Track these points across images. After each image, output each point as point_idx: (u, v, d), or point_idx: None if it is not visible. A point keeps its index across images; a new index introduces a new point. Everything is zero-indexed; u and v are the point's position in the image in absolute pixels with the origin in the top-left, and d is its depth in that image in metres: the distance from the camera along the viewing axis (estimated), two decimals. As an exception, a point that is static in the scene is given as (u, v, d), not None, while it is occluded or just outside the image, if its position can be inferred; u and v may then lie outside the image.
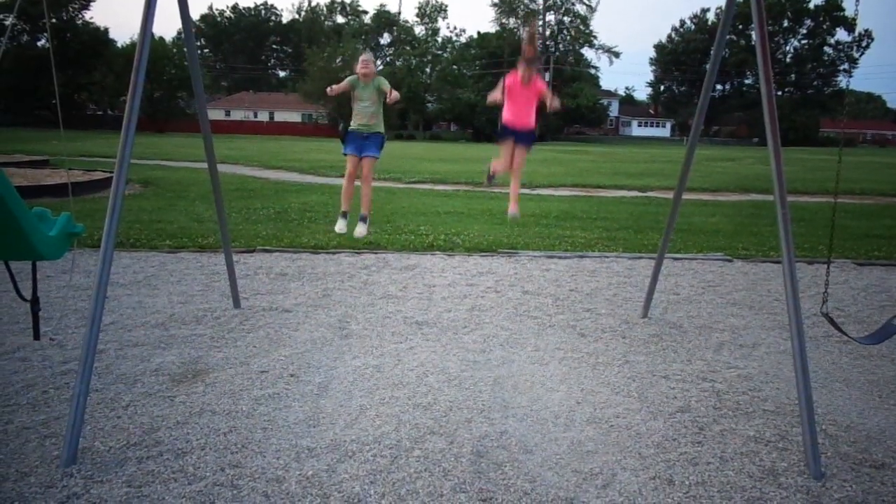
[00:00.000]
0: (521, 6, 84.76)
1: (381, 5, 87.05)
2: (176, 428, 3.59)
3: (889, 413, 4.07)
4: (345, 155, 5.36)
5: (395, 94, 5.15)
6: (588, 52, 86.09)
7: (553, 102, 5.19)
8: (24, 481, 3.02)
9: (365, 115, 5.27)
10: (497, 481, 3.14)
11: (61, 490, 2.96)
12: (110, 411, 3.77)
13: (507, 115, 5.28)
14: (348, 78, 5.27)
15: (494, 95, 5.30)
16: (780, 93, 79.27)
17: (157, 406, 3.86)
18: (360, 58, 5.31)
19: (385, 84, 5.24)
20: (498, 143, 5.50)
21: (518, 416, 3.87)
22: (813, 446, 3.31)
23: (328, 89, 5.24)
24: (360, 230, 5.53)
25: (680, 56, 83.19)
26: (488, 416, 3.86)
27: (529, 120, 5.30)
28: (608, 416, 3.89)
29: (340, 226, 5.54)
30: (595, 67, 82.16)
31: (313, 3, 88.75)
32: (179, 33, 56.89)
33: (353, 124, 5.32)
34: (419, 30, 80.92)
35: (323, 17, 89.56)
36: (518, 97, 5.21)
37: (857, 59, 79.01)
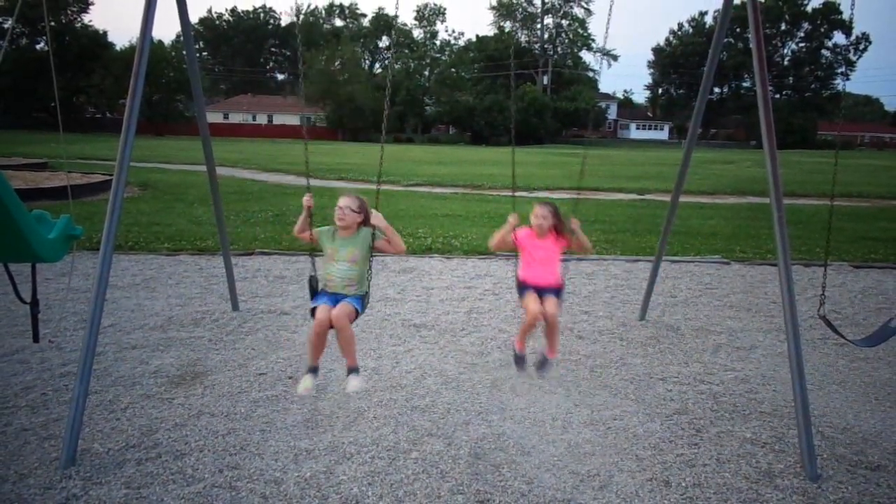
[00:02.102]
0: (520, 10, 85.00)
1: (380, 8, 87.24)
2: (174, 430, 3.59)
3: (885, 415, 4.09)
4: (312, 311, 3.74)
5: (398, 243, 3.87)
6: (586, 55, 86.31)
7: (585, 249, 4.39)
8: (24, 482, 3.03)
9: (340, 280, 3.77)
10: (495, 483, 3.15)
11: (60, 491, 2.97)
12: (109, 413, 3.78)
13: (524, 274, 4.34)
14: (320, 230, 3.86)
15: (495, 242, 4.45)
16: (777, 95, 79.47)
17: (156, 408, 3.87)
18: (338, 203, 3.76)
19: (377, 233, 3.82)
20: (520, 300, 4.32)
21: (516, 418, 3.88)
22: (809, 448, 3.32)
23: (295, 230, 3.90)
24: (355, 384, 3.67)
25: (678, 59, 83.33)
26: (486, 417, 3.87)
27: (553, 277, 4.28)
28: (605, 418, 3.91)
29: (306, 385, 3.67)
30: (593, 70, 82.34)
31: (311, 7, 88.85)
32: (178, 36, 56.94)
33: (324, 285, 3.87)
34: (418, 33, 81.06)
35: (322, 20, 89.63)
36: (535, 252, 4.31)
37: (855, 62, 79.22)
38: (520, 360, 4.38)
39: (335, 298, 3.75)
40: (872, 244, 10.14)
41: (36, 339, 3.94)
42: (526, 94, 68.02)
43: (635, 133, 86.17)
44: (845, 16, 74.15)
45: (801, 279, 7.60)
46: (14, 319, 5.33)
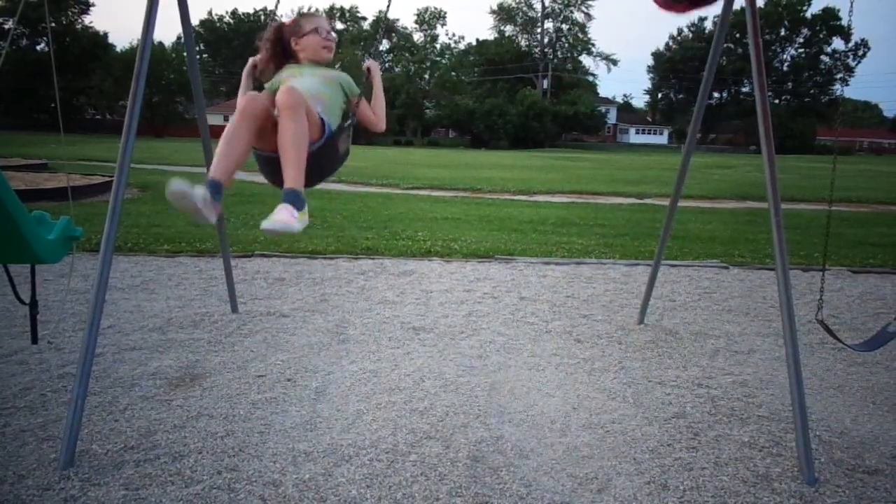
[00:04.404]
0: (520, 14, 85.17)
1: (380, 11, 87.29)
2: (173, 431, 3.60)
3: (883, 419, 4.09)
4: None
5: (381, 111, 3.79)
6: (586, 60, 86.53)
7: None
8: (22, 484, 3.03)
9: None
10: (493, 486, 3.16)
11: (58, 492, 2.97)
12: (108, 415, 3.78)
13: None
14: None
15: None
16: (776, 101, 79.66)
17: (155, 410, 3.87)
18: (320, 26, 3.71)
19: (362, 87, 3.86)
20: None
21: (514, 421, 3.89)
22: (807, 452, 3.33)
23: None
24: (282, 216, 2.82)
25: (677, 64, 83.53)
26: (484, 421, 3.88)
27: None
28: (604, 422, 3.91)
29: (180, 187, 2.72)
30: (593, 75, 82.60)
31: (311, 10, 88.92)
32: (179, 38, 56.97)
33: None
34: (418, 36, 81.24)
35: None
36: None
37: (854, 68, 79.44)
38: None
39: None
40: (871, 249, 10.16)
41: (35, 340, 3.94)
42: (526, 97, 68.11)
43: (635, 137, 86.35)
44: (844, 22, 74.39)
45: (800, 283, 7.61)
46: (13, 320, 5.33)
